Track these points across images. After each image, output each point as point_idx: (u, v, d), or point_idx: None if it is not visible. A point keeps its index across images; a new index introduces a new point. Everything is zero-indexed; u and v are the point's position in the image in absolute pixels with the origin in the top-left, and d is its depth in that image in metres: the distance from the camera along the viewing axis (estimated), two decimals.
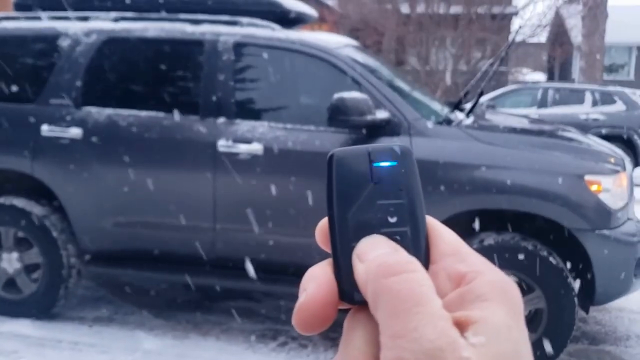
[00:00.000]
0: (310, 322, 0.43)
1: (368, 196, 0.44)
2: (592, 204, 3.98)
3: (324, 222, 0.46)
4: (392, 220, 0.44)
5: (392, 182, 0.45)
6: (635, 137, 12.54)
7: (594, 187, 3.98)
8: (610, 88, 13.60)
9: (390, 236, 0.43)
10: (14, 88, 4.68)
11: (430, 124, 4.20)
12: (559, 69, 32.99)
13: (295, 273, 4.24)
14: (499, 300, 0.39)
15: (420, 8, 19.85)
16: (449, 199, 3.98)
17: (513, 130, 4.73)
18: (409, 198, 0.45)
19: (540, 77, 29.52)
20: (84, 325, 4.70)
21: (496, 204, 4.05)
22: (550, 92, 13.69)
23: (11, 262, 4.65)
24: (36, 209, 4.58)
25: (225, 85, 4.36)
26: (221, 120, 4.31)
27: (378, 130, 4.07)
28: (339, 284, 0.43)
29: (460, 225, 4.16)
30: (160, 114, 4.42)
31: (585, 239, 3.95)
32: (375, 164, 0.45)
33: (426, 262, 0.43)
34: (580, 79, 18.33)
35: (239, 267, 4.40)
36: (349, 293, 0.43)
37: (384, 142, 4.15)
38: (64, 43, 4.62)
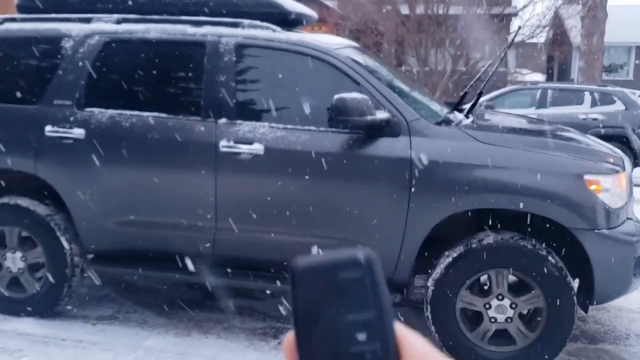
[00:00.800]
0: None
1: (334, 312, 0.42)
2: (592, 204, 4.00)
3: (291, 338, 0.44)
4: (361, 337, 0.42)
5: (358, 295, 0.43)
6: (634, 137, 12.55)
7: (593, 187, 4.00)
8: (610, 88, 13.60)
9: (361, 355, 0.42)
10: (18, 89, 4.71)
11: (429, 124, 4.22)
12: (558, 70, 33.01)
13: None
14: None
15: (420, 9, 19.87)
16: (448, 198, 4.01)
17: (512, 130, 4.76)
18: (377, 310, 0.43)
19: (539, 77, 29.54)
20: (87, 324, 4.73)
21: (495, 203, 4.07)
22: (549, 93, 13.69)
23: (15, 261, 4.70)
24: (40, 209, 4.62)
25: (227, 86, 4.39)
26: (222, 121, 4.35)
27: (378, 130, 4.10)
28: None
29: (460, 224, 4.19)
30: (162, 115, 4.45)
31: (584, 239, 3.97)
32: (340, 277, 0.43)
33: None
34: (580, 79, 18.35)
35: (241, 266, 4.44)
36: None
37: (384, 144, 4.20)
38: (67, 44, 4.66)
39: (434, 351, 0.43)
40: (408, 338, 0.43)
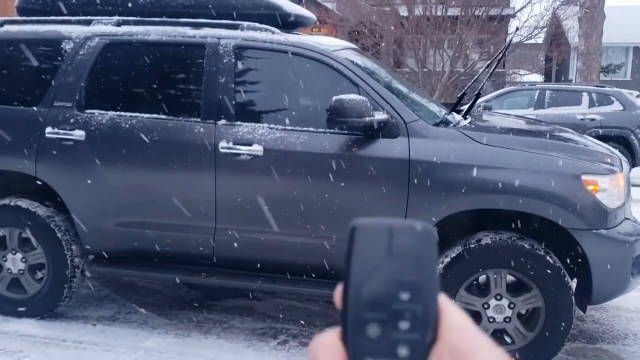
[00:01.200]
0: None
1: (385, 271, 0.45)
2: (589, 204, 4.01)
3: (340, 289, 0.47)
4: (404, 297, 0.45)
5: (410, 259, 0.45)
6: (632, 137, 12.58)
7: (590, 187, 4.02)
8: (607, 89, 13.62)
9: (400, 313, 0.45)
10: (18, 91, 4.73)
11: (427, 125, 4.24)
12: (556, 70, 33.05)
13: (296, 272, 4.29)
14: None
15: (418, 10, 19.91)
16: (447, 199, 4.03)
17: (510, 130, 4.77)
18: (425, 277, 0.45)
19: (537, 78, 29.57)
20: (87, 324, 4.75)
21: (493, 203, 4.09)
22: (547, 93, 13.71)
23: (15, 262, 4.71)
24: (40, 210, 4.64)
25: (226, 88, 4.41)
26: (222, 122, 4.37)
27: (376, 131, 4.12)
28: (345, 348, 0.45)
29: (458, 224, 4.21)
30: (162, 117, 4.47)
31: (582, 239, 3.98)
32: (396, 240, 0.46)
33: (433, 339, 0.45)
34: (578, 80, 18.37)
35: (240, 267, 4.45)
36: (347, 337, 0.45)
37: (383, 145, 4.22)
38: (67, 46, 4.68)
39: (472, 325, 0.45)
40: (450, 308, 0.45)
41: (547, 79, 32.21)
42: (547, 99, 13.53)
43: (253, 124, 4.35)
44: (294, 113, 4.48)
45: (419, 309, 0.44)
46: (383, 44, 21.79)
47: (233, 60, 4.44)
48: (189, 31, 4.60)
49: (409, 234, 0.46)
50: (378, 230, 0.46)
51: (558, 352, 4.11)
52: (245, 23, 4.62)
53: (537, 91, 13.94)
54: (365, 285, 0.45)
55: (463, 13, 19.50)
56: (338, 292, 0.47)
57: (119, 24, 4.76)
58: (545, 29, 23.60)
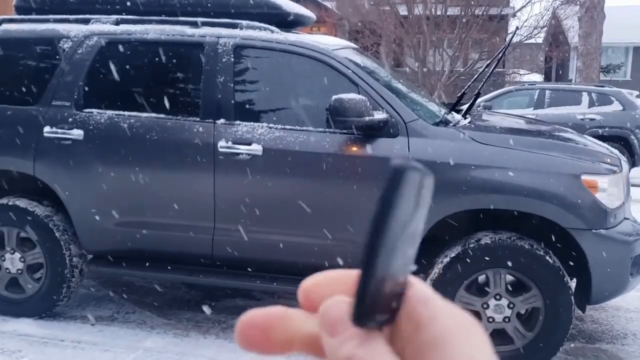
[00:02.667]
0: (249, 337, 0.44)
1: (412, 226, 0.41)
2: (589, 204, 4.01)
3: (307, 282, 0.44)
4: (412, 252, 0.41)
5: (423, 216, 0.41)
6: (632, 137, 12.58)
7: (590, 187, 4.02)
8: (607, 88, 13.62)
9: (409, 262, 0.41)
10: (16, 90, 4.72)
11: (427, 125, 4.24)
12: (556, 70, 33.04)
13: (294, 272, 4.28)
14: (457, 341, 0.40)
15: (418, 10, 19.89)
16: (446, 199, 4.02)
17: (510, 130, 4.77)
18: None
19: (537, 78, 29.57)
20: (86, 324, 4.74)
21: (493, 203, 4.09)
22: (547, 93, 13.71)
23: (14, 262, 4.70)
24: (39, 210, 4.63)
25: (225, 87, 4.40)
26: (221, 121, 4.36)
27: (376, 131, 4.12)
28: (356, 302, 0.40)
29: (458, 224, 4.20)
30: (161, 116, 4.46)
31: (581, 239, 3.98)
32: (422, 192, 0.41)
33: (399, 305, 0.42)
34: (577, 80, 18.36)
35: (239, 267, 4.45)
36: (363, 315, 0.40)
37: (382, 144, 4.21)
38: (66, 45, 4.67)
39: (433, 294, 0.42)
40: (413, 280, 0.43)
41: (547, 78, 32.20)
42: (547, 98, 13.53)
43: (252, 123, 4.35)
44: (293, 112, 4.48)
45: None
46: (383, 44, 21.78)
47: (232, 59, 4.43)
48: (188, 30, 4.59)
49: (429, 188, 0.41)
50: (416, 178, 0.40)
51: (557, 352, 4.10)
52: (245, 22, 4.61)
53: (537, 91, 13.93)
54: (401, 239, 0.40)
55: (463, 12, 19.47)
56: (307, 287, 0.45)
57: (117, 23, 4.75)
58: (545, 29, 23.57)
